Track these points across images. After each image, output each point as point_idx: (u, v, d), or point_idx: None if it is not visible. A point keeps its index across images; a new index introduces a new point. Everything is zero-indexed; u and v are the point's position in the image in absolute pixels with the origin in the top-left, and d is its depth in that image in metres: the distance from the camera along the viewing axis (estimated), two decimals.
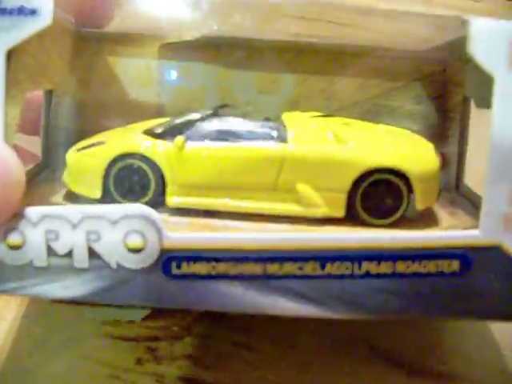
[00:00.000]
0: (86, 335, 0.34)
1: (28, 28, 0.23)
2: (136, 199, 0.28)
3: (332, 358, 0.32)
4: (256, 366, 0.31)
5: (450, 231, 0.25)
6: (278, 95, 0.37)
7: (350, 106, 0.38)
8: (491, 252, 0.24)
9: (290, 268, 0.24)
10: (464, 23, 0.23)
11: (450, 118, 0.36)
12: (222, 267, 0.24)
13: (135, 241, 0.24)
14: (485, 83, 0.24)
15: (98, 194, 0.28)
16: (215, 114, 0.30)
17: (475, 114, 0.34)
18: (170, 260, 0.24)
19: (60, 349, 0.33)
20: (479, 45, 0.23)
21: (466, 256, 0.24)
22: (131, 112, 0.37)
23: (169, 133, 0.29)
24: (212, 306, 0.25)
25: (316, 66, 0.37)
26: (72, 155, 0.30)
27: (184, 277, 0.24)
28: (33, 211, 0.24)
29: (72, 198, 0.30)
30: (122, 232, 0.24)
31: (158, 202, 0.28)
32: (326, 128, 0.28)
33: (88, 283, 0.25)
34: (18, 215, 0.24)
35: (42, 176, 0.35)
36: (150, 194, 0.28)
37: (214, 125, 0.29)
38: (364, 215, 0.27)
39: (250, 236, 0.24)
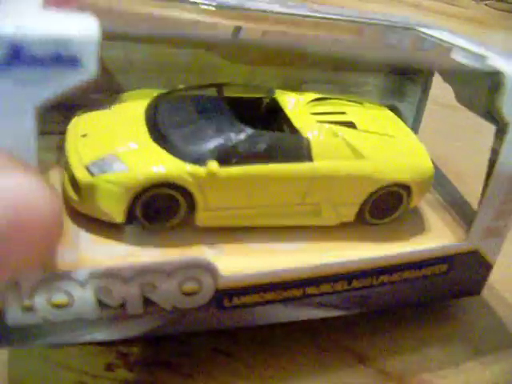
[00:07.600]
0: None
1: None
2: (163, 222, 0.27)
3: (318, 367, 0.30)
4: (237, 373, 0.29)
5: (444, 244, 0.30)
6: None
7: None
8: (471, 255, 0.30)
9: (324, 288, 0.28)
10: (497, 75, 0.25)
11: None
12: (268, 296, 0.27)
13: (191, 286, 0.25)
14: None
15: (120, 219, 0.26)
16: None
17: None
18: (222, 296, 0.26)
19: (20, 351, 0.28)
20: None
21: (453, 260, 0.30)
22: None
23: (205, 155, 0.27)
24: (254, 324, 0.28)
25: None
26: (85, 177, 0.26)
27: (234, 307, 0.26)
28: (80, 273, 0.23)
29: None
30: (178, 280, 0.25)
31: (184, 223, 0.28)
32: (337, 133, 0.29)
33: (142, 325, 0.25)
34: (62, 275, 0.23)
35: None
36: (178, 217, 0.27)
37: (250, 145, 0.27)
38: (369, 218, 0.31)
39: (293, 268, 0.27)
